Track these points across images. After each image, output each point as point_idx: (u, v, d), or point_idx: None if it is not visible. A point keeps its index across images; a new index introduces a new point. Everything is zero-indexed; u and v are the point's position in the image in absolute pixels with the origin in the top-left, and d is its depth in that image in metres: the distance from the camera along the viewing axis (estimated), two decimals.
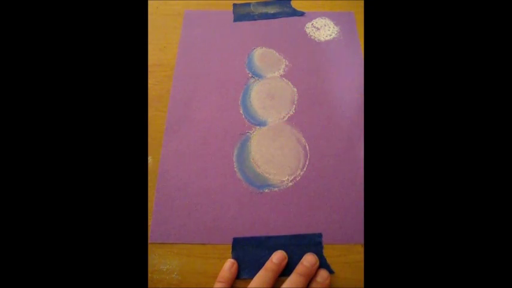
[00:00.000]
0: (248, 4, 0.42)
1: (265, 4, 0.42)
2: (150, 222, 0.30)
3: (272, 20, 0.41)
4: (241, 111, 0.35)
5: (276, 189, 0.31)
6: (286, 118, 0.34)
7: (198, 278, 0.28)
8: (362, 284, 0.27)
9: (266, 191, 0.31)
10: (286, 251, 0.28)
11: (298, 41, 0.39)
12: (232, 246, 0.29)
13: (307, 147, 0.33)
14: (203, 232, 0.29)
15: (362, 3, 0.41)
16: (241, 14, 0.41)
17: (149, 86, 0.36)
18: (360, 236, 0.29)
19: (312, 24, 0.40)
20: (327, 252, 0.29)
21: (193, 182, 0.31)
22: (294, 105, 0.35)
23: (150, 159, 0.32)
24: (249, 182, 0.31)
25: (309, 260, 0.27)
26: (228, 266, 0.28)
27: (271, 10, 0.42)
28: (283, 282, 0.26)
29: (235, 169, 0.32)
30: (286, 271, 0.27)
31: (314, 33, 0.40)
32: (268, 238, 0.29)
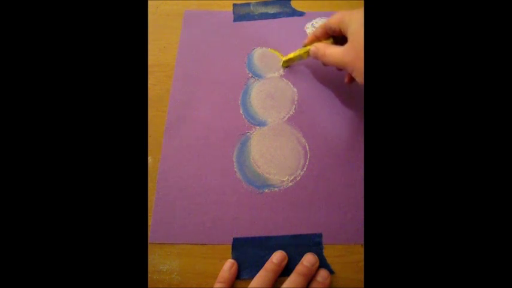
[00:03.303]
0: (248, 4, 0.42)
1: (265, 4, 0.42)
2: (150, 222, 0.30)
3: (272, 20, 0.41)
4: (241, 111, 0.35)
5: (276, 189, 0.31)
6: (286, 118, 0.34)
7: (198, 279, 0.28)
8: (362, 284, 0.27)
9: (266, 191, 0.31)
10: (286, 251, 0.28)
11: (298, 41, 0.39)
12: (232, 247, 0.29)
13: (307, 147, 0.33)
14: (203, 232, 0.29)
15: (362, 3, 0.41)
16: (241, 14, 0.41)
17: (149, 86, 0.36)
18: (360, 236, 0.29)
19: (312, 24, 0.40)
20: (327, 252, 0.29)
21: (193, 182, 0.31)
22: (294, 105, 0.35)
23: (150, 159, 0.32)
24: (249, 182, 0.31)
25: (309, 260, 0.27)
26: (228, 266, 0.28)
27: (271, 10, 0.42)
28: (283, 282, 0.26)
29: (235, 169, 0.32)
30: (286, 271, 0.27)
31: None
32: (268, 238, 0.29)
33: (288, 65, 0.37)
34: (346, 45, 0.29)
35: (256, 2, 0.42)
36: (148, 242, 0.29)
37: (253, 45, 0.39)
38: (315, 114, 0.34)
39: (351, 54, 0.28)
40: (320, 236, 0.29)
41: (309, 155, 0.32)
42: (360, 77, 0.28)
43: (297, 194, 0.31)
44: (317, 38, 0.34)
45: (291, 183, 0.31)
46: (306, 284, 0.26)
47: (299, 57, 0.35)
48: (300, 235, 0.29)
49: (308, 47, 0.34)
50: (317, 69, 0.37)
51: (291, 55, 0.36)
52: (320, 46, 0.32)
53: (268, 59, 0.38)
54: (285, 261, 0.28)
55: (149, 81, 0.36)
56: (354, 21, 0.29)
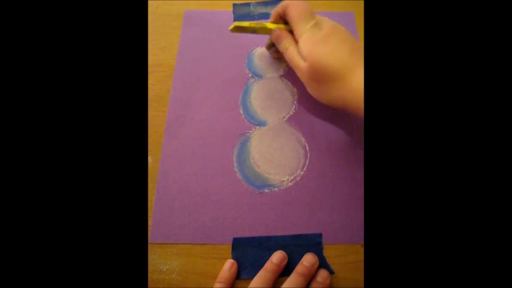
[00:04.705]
0: (248, 4, 0.42)
1: (265, 4, 0.42)
2: (150, 222, 0.30)
3: None
4: (241, 111, 0.35)
5: (276, 189, 0.31)
6: (286, 118, 0.34)
7: (198, 279, 0.28)
8: (362, 284, 0.27)
9: (266, 191, 0.31)
10: (286, 251, 0.28)
11: None
12: (232, 246, 0.29)
13: (307, 147, 0.33)
14: (203, 232, 0.29)
15: (362, 3, 0.41)
16: (241, 14, 0.41)
17: (149, 86, 0.36)
18: (360, 236, 0.29)
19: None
20: (327, 252, 0.29)
21: (193, 182, 0.31)
22: (294, 105, 0.35)
23: (150, 159, 0.32)
24: (249, 182, 0.31)
25: (308, 260, 0.27)
26: (228, 266, 0.28)
27: (271, 10, 0.42)
28: (283, 282, 0.26)
29: (235, 169, 0.32)
30: (286, 271, 0.27)
31: None
32: (268, 238, 0.29)
33: (236, 31, 0.33)
34: (307, 66, 0.28)
35: (256, 2, 0.42)
36: (148, 242, 0.29)
37: (253, 45, 0.39)
38: (315, 114, 0.34)
39: (307, 76, 0.28)
40: (320, 236, 0.29)
41: (309, 155, 0.32)
42: (311, 92, 0.29)
43: (297, 194, 0.31)
44: (280, 17, 0.31)
45: (291, 183, 0.31)
46: (306, 284, 0.26)
47: (252, 30, 0.32)
48: (300, 235, 0.29)
49: (268, 26, 0.31)
50: None
51: (246, 23, 0.32)
52: (286, 38, 0.30)
53: (268, 59, 0.38)
54: (285, 261, 0.28)
55: (149, 81, 0.36)
56: (307, 42, 0.28)
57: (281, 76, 0.37)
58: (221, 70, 0.37)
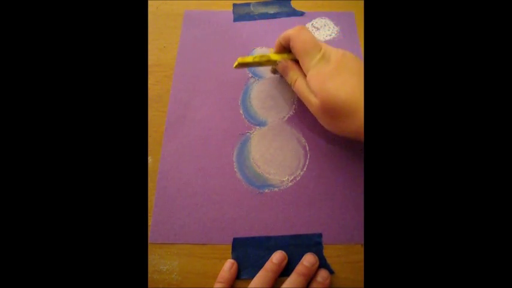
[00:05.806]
0: (248, 4, 0.42)
1: (265, 4, 0.42)
2: (150, 222, 0.30)
3: (272, 20, 0.41)
4: (241, 111, 0.35)
5: (276, 189, 0.31)
6: (286, 118, 0.34)
7: (198, 279, 0.28)
8: (362, 284, 0.27)
9: (266, 191, 0.31)
10: (286, 251, 0.28)
11: None
12: (232, 247, 0.29)
13: (307, 147, 0.33)
14: (203, 232, 0.29)
15: (362, 3, 0.42)
16: (241, 14, 0.41)
17: (149, 86, 0.36)
18: (360, 236, 0.29)
19: (312, 24, 0.40)
20: (327, 252, 0.29)
21: (193, 182, 0.31)
22: (294, 105, 0.35)
23: (150, 159, 0.32)
24: (249, 182, 0.31)
25: (308, 260, 0.27)
26: (228, 266, 0.28)
27: (271, 10, 0.42)
28: (283, 282, 0.26)
29: (235, 169, 0.32)
30: (286, 271, 0.27)
31: (314, 33, 0.40)
32: (268, 238, 0.29)
33: (240, 67, 0.33)
34: (318, 103, 0.27)
35: (256, 2, 0.42)
36: (149, 242, 0.29)
37: (253, 45, 0.39)
38: None
39: (319, 112, 0.28)
40: (320, 236, 0.29)
41: (309, 155, 0.32)
42: (323, 125, 0.29)
43: (297, 194, 0.31)
44: (284, 47, 0.31)
45: (291, 183, 0.31)
46: (306, 284, 0.26)
47: (257, 63, 0.32)
48: (300, 235, 0.29)
49: (272, 57, 0.32)
50: None
51: (249, 58, 0.32)
52: (292, 70, 0.30)
53: None
54: (285, 261, 0.28)
55: (149, 81, 0.36)
56: (319, 81, 0.27)
57: (281, 76, 0.37)
58: (221, 70, 0.37)
